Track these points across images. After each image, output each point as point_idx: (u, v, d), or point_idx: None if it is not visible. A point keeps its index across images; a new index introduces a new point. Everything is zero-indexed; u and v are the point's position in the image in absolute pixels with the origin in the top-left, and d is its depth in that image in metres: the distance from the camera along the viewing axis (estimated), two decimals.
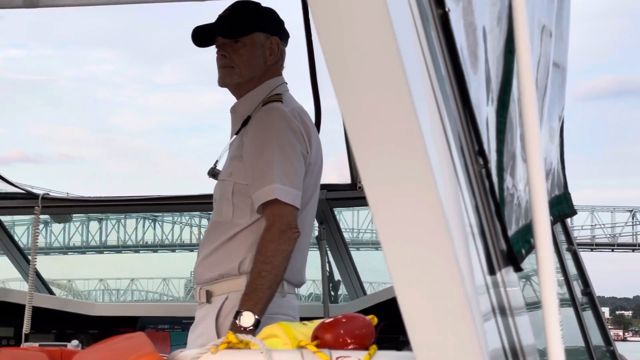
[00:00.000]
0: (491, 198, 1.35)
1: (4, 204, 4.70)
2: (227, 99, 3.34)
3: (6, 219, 4.84)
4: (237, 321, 2.89)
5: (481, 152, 1.32)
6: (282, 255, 2.96)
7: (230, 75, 3.24)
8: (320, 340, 1.71)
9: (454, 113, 1.25)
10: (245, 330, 2.82)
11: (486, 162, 1.33)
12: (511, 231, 1.45)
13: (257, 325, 2.86)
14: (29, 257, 4.69)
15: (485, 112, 1.40)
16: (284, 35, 3.31)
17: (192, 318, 3.29)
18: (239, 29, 3.21)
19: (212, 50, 3.28)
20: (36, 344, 3.91)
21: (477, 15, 1.39)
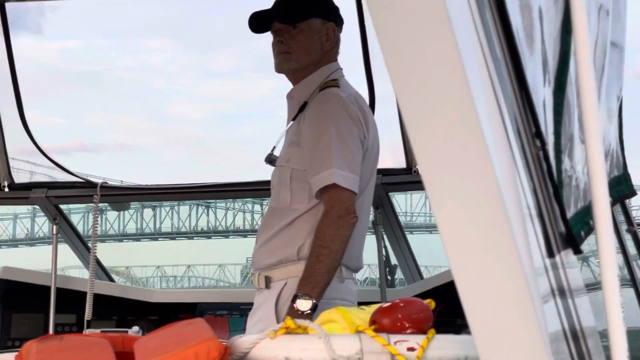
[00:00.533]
0: (549, 180, 1.34)
1: (64, 192, 4.77)
2: (282, 85, 3.36)
3: (62, 207, 4.91)
4: (294, 305, 2.90)
5: (538, 134, 1.31)
6: (340, 240, 2.96)
7: (288, 61, 3.25)
8: (378, 324, 1.72)
9: (510, 95, 1.25)
10: (302, 314, 2.83)
11: (543, 144, 1.32)
12: (570, 213, 1.44)
13: (314, 309, 2.87)
14: (89, 245, 4.76)
15: (542, 94, 1.39)
16: (339, 21, 3.32)
17: (250, 304, 3.31)
18: (297, 14, 3.23)
19: (265, 37, 3.30)
20: (98, 330, 3.97)
21: None
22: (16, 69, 4.68)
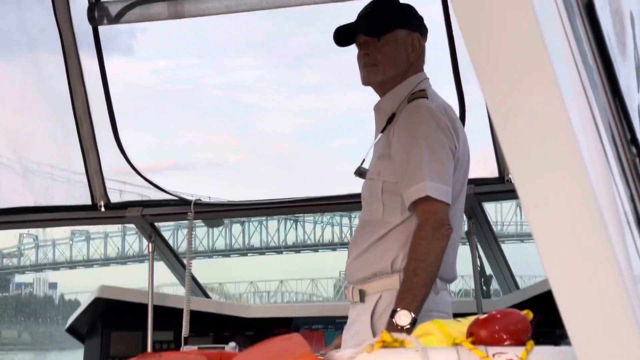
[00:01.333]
0: None
1: (158, 211, 4.83)
2: (371, 98, 3.36)
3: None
4: (393, 320, 2.89)
5: (634, 141, 1.29)
6: (436, 253, 2.95)
7: (375, 74, 3.25)
8: (475, 336, 1.70)
9: (604, 102, 1.23)
10: (402, 329, 2.82)
11: (639, 150, 1.30)
12: None
13: (414, 323, 2.85)
14: (184, 262, 4.82)
15: (637, 100, 1.37)
16: (424, 31, 3.31)
17: (345, 317, 3.31)
18: (381, 26, 3.23)
19: (352, 51, 3.31)
20: (195, 347, 4.03)
21: (623, 2, 1.36)
22: (110, 90, 4.78)
